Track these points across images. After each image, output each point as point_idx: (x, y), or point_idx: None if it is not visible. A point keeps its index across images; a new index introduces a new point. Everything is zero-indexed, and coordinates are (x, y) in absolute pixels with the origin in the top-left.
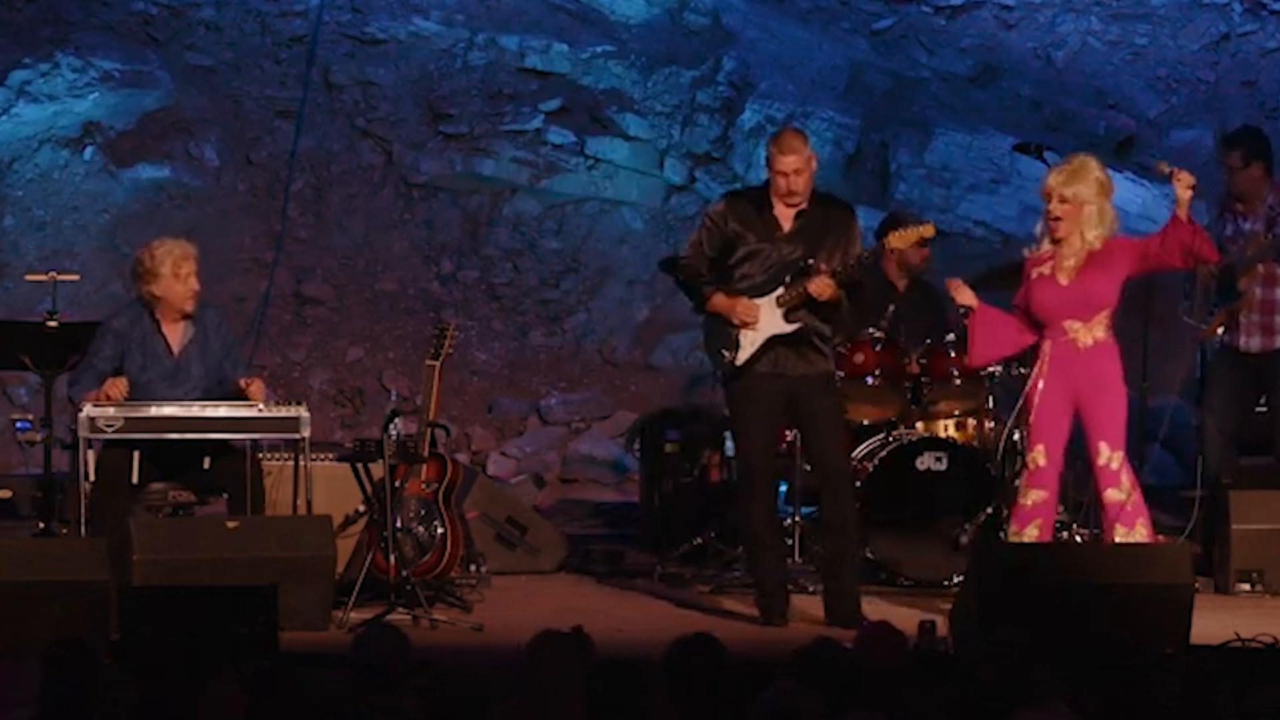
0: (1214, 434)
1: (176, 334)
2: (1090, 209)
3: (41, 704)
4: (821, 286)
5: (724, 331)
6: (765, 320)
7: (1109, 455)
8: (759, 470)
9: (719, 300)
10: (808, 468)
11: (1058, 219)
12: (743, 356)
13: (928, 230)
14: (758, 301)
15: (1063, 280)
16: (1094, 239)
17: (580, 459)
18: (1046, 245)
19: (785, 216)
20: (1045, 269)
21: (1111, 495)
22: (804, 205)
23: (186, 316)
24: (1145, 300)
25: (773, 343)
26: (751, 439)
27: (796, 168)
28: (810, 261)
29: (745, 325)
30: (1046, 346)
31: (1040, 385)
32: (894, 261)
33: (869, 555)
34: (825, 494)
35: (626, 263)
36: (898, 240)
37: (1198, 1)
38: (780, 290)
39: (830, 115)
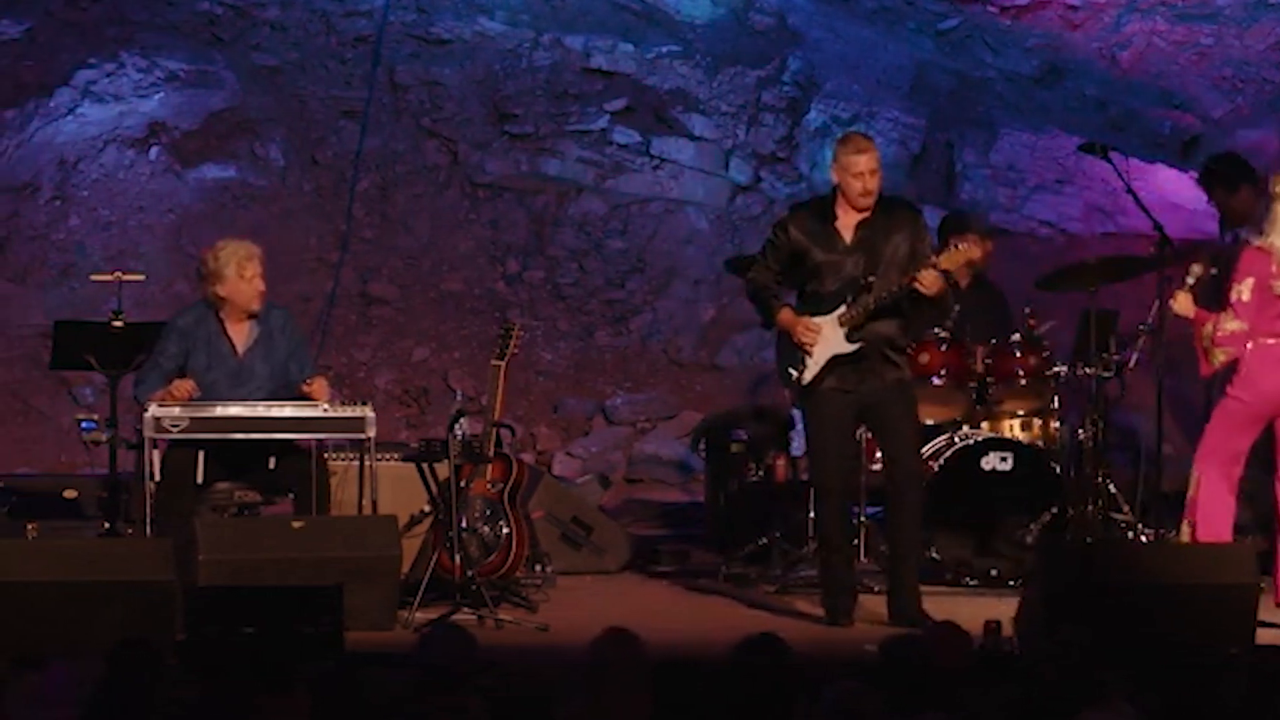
0: None
1: (241, 334)
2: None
3: (98, 704)
4: (931, 280)
5: (792, 349)
6: (828, 339)
7: None
8: (832, 482)
9: (785, 317)
10: (874, 467)
11: None
12: (809, 375)
13: (974, 253)
14: (820, 320)
15: None
16: None
17: (645, 459)
18: None
19: (847, 228)
20: None
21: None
22: (868, 213)
23: (252, 316)
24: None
25: (836, 361)
26: (825, 455)
27: (871, 168)
28: (870, 279)
29: (805, 345)
30: None
31: None
32: None
33: (934, 555)
34: (893, 494)
35: (692, 263)
36: (947, 262)
37: (1264, 1)
38: (842, 309)
39: (895, 115)
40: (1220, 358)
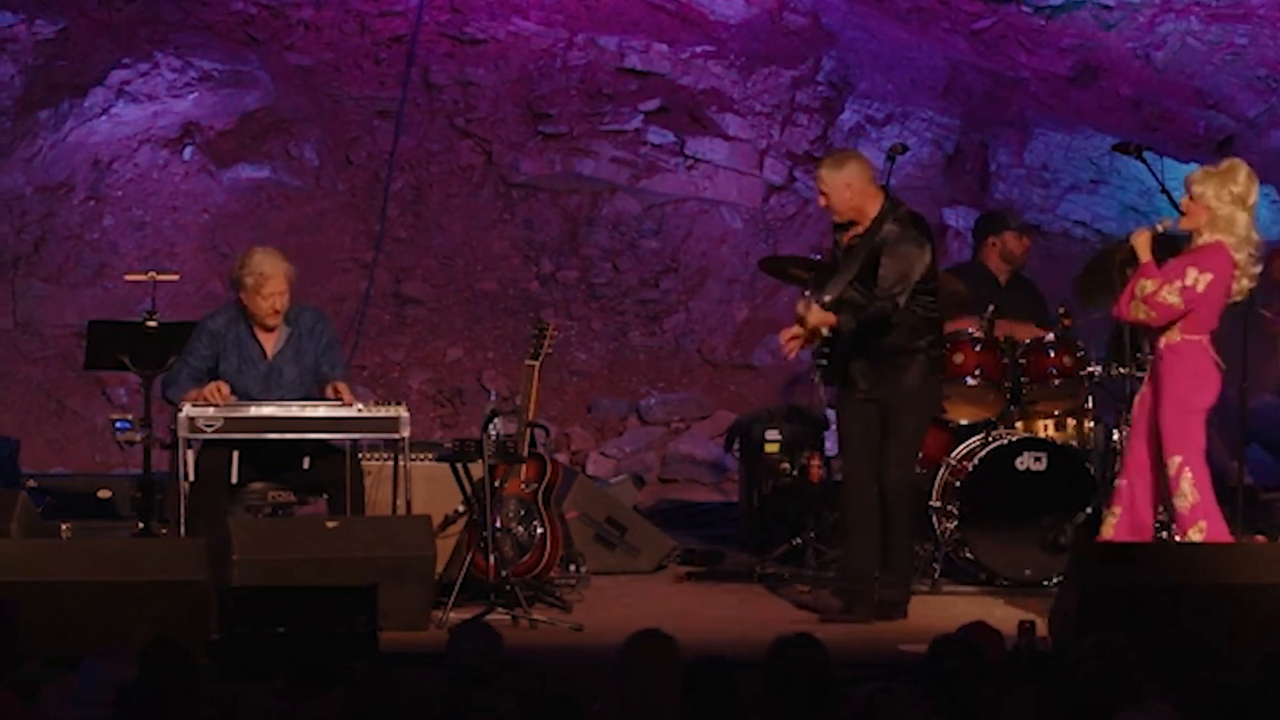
0: None
1: (271, 338)
2: (1217, 213)
3: (131, 704)
4: (816, 317)
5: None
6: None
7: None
8: (856, 476)
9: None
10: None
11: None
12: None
13: (818, 321)
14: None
15: None
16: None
17: (680, 459)
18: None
19: (846, 236)
20: None
21: (1175, 503)
22: (861, 228)
23: (283, 320)
24: (1246, 301)
25: (852, 363)
26: (850, 456)
27: (822, 190)
28: (807, 293)
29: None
30: None
31: None
32: (996, 253)
33: (968, 555)
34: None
35: (726, 262)
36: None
37: None
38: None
39: (929, 115)
40: (1140, 315)
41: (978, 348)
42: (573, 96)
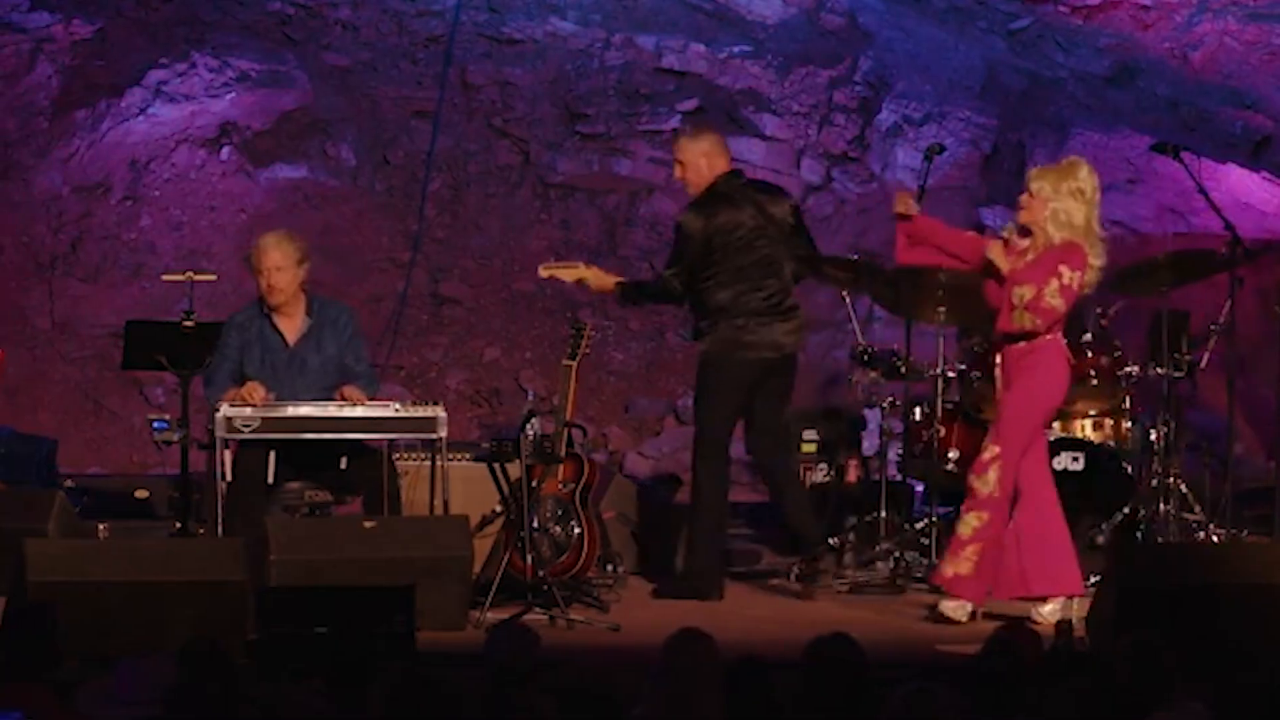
0: None
1: (293, 327)
2: (1054, 206)
3: (172, 703)
4: (596, 281)
5: None
6: None
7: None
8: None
9: None
10: (948, 468)
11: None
12: None
13: (570, 275)
14: None
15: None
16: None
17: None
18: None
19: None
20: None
21: (971, 482)
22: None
23: (304, 311)
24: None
25: None
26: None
27: (678, 159)
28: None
29: None
30: None
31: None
32: None
33: None
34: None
35: None
36: (545, 270)
37: None
38: None
39: (967, 115)
40: (1026, 324)
41: None
42: (610, 96)
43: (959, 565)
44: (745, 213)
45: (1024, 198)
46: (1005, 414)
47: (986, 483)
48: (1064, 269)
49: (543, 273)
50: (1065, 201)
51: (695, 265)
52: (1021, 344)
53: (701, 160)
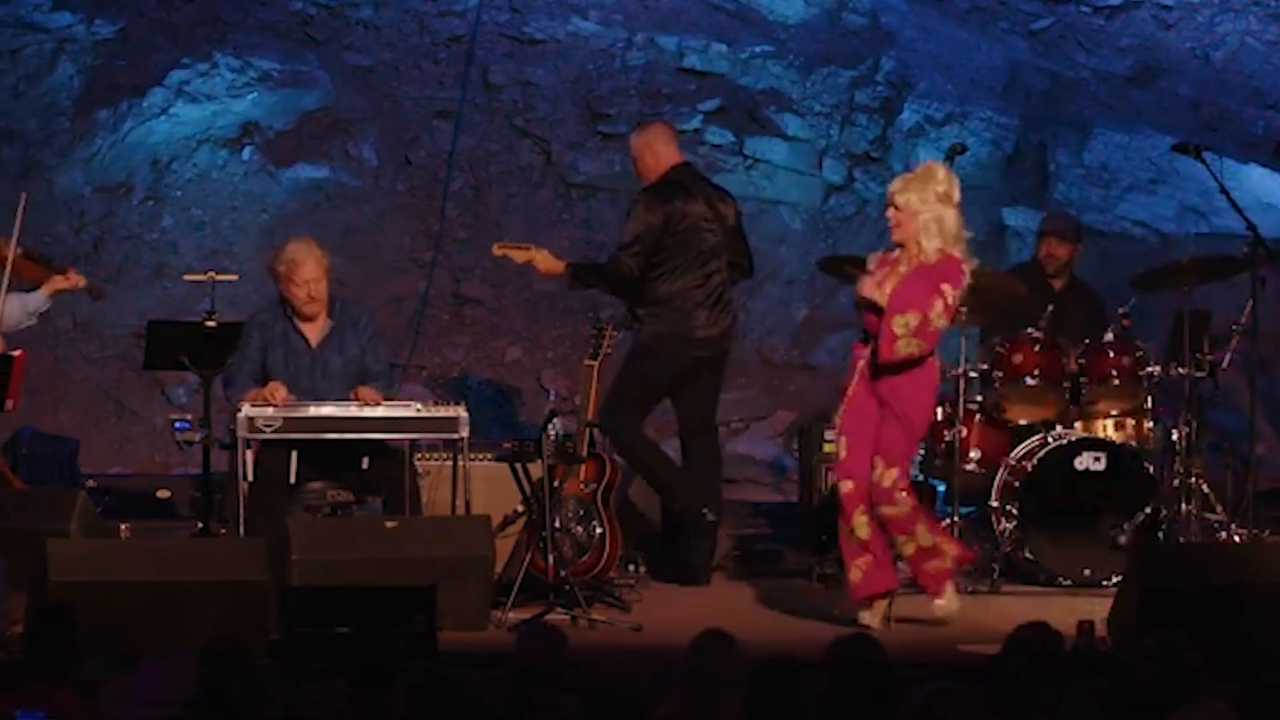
0: None
1: (315, 329)
2: (926, 218)
3: (194, 703)
4: (545, 264)
5: None
6: None
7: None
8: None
9: None
10: (968, 467)
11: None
12: None
13: (521, 257)
14: None
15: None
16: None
17: (739, 459)
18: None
19: None
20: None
21: (887, 511)
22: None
23: (326, 312)
24: None
25: None
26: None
27: (635, 150)
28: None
29: None
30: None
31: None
32: (1043, 256)
33: (1028, 556)
34: None
35: (785, 262)
36: (499, 249)
37: None
38: None
39: (988, 115)
40: (914, 350)
41: (1037, 348)
42: (632, 96)
43: (931, 565)
44: (698, 204)
45: (891, 213)
46: (892, 440)
47: (901, 505)
48: (946, 287)
49: (496, 251)
50: (935, 209)
51: (648, 251)
52: (903, 375)
53: (646, 152)
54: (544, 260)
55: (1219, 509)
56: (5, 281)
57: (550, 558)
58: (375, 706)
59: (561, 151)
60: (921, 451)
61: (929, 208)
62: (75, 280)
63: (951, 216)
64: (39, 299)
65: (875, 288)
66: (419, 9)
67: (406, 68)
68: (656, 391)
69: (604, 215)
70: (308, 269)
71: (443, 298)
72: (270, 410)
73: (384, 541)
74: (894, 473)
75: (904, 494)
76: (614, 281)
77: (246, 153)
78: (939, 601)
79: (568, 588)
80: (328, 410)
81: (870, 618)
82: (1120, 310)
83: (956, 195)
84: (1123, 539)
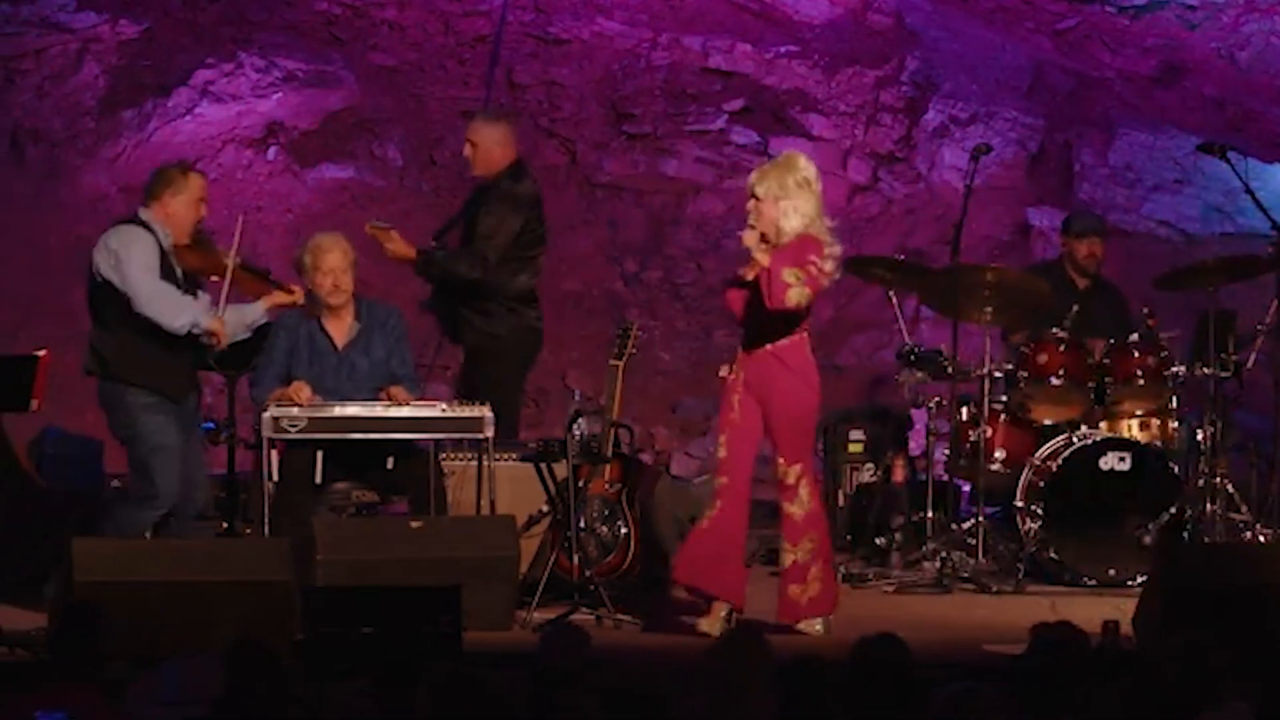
0: None
1: (341, 330)
2: (785, 204)
3: (218, 703)
4: (397, 248)
5: None
6: None
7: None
8: None
9: None
10: (992, 467)
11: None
12: None
13: (388, 242)
14: None
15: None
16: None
17: (762, 459)
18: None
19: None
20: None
21: (788, 509)
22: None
23: (353, 314)
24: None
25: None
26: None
27: (472, 140)
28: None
29: None
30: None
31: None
32: (1066, 257)
33: (1053, 555)
34: None
35: None
36: (369, 228)
37: None
38: None
39: (1014, 115)
40: (803, 299)
41: (1062, 348)
42: (657, 97)
43: (809, 589)
44: (540, 204)
45: (751, 204)
46: (782, 429)
47: (801, 504)
48: (812, 257)
49: (367, 229)
50: (794, 196)
51: (507, 244)
52: (767, 348)
53: (495, 149)
54: (394, 244)
55: (1244, 509)
56: (224, 293)
57: (575, 558)
58: (399, 707)
59: (586, 151)
60: (946, 451)
61: (788, 195)
62: (298, 295)
63: (811, 203)
64: (257, 311)
65: (754, 264)
66: (444, 9)
67: (431, 68)
68: (522, 393)
69: (629, 215)
70: (333, 258)
71: None
72: (295, 410)
73: (409, 541)
74: (795, 470)
75: (804, 494)
76: (460, 272)
77: (271, 153)
78: (806, 623)
79: (592, 588)
80: (353, 410)
81: (709, 625)
82: (1144, 310)
83: (816, 184)
84: (1147, 539)
